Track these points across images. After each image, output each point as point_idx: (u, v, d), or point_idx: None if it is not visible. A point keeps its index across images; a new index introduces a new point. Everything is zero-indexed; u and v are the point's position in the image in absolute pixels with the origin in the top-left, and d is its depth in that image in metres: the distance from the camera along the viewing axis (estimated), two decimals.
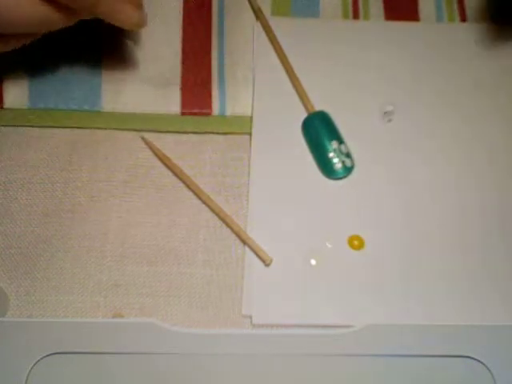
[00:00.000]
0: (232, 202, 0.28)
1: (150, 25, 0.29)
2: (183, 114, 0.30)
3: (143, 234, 0.28)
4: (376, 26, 0.32)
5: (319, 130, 0.29)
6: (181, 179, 0.28)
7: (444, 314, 0.26)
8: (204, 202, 0.28)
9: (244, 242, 0.27)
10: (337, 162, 0.28)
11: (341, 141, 0.29)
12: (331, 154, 0.28)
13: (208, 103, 0.30)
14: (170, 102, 0.30)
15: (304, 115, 0.30)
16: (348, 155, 0.29)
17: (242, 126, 0.30)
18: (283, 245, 0.27)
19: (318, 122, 0.29)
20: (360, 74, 0.31)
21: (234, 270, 0.27)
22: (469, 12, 0.33)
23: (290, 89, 0.30)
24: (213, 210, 0.28)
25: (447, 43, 0.32)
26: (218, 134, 0.30)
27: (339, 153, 0.28)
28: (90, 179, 0.29)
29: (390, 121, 0.30)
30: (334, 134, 0.29)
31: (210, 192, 0.29)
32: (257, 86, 0.30)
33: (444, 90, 0.31)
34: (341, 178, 0.29)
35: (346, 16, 0.32)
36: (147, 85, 0.30)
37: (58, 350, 0.24)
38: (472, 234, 0.28)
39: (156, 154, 0.29)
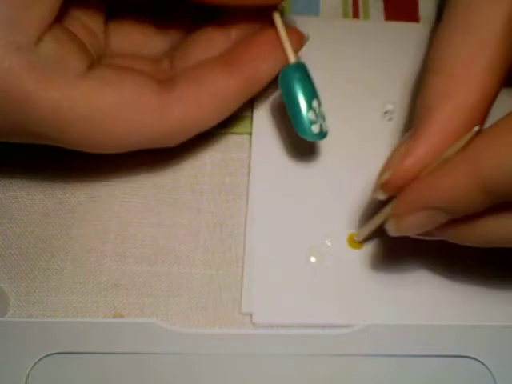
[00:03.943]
0: (232, 201, 0.28)
1: None
2: None
3: (143, 233, 0.28)
4: (376, 25, 0.32)
5: (303, 84, 0.26)
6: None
7: (444, 313, 0.26)
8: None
9: None
10: (315, 123, 0.26)
11: (320, 101, 0.26)
12: (311, 114, 0.26)
13: None
14: None
15: None
16: (324, 119, 0.26)
17: (241, 126, 0.30)
18: (283, 243, 0.27)
19: (301, 75, 0.26)
20: (360, 73, 0.31)
21: (234, 270, 0.27)
22: None
23: None
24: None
25: None
26: (217, 133, 0.30)
27: (318, 114, 0.26)
28: (90, 179, 0.29)
29: (390, 119, 0.30)
30: (315, 92, 0.26)
31: (210, 192, 0.29)
32: None
33: None
34: (313, 141, 0.27)
35: (345, 15, 0.33)
36: None
37: (58, 350, 0.24)
38: None
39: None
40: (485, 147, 0.20)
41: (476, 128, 0.21)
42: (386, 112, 0.30)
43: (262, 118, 0.30)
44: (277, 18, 0.26)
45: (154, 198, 0.28)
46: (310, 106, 0.26)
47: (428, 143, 0.22)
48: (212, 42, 0.27)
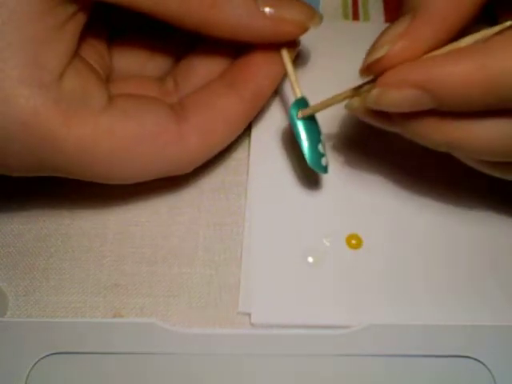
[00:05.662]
0: (232, 200, 0.28)
1: None
2: None
3: (143, 233, 0.28)
4: (375, 27, 0.32)
5: (314, 117, 0.27)
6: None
7: (444, 313, 0.26)
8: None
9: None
10: (324, 157, 0.27)
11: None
12: (321, 147, 0.27)
13: None
14: None
15: None
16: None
17: None
18: (281, 242, 0.27)
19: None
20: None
21: (234, 270, 0.27)
22: None
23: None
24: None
25: None
26: None
27: (324, 149, 0.27)
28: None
29: None
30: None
31: (210, 191, 0.29)
32: None
33: None
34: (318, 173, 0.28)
35: (345, 16, 0.33)
36: None
37: (58, 350, 0.24)
38: (475, 230, 0.28)
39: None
40: (508, 46, 0.19)
41: (508, 23, 0.20)
42: None
43: (262, 118, 0.30)
44: (284, 53, 0.27)
45: (153, 197, 0.28)
46: (320, 140, 0.26)
47: (431, 24, 0.21)
48: (214, 57, 0.27)
